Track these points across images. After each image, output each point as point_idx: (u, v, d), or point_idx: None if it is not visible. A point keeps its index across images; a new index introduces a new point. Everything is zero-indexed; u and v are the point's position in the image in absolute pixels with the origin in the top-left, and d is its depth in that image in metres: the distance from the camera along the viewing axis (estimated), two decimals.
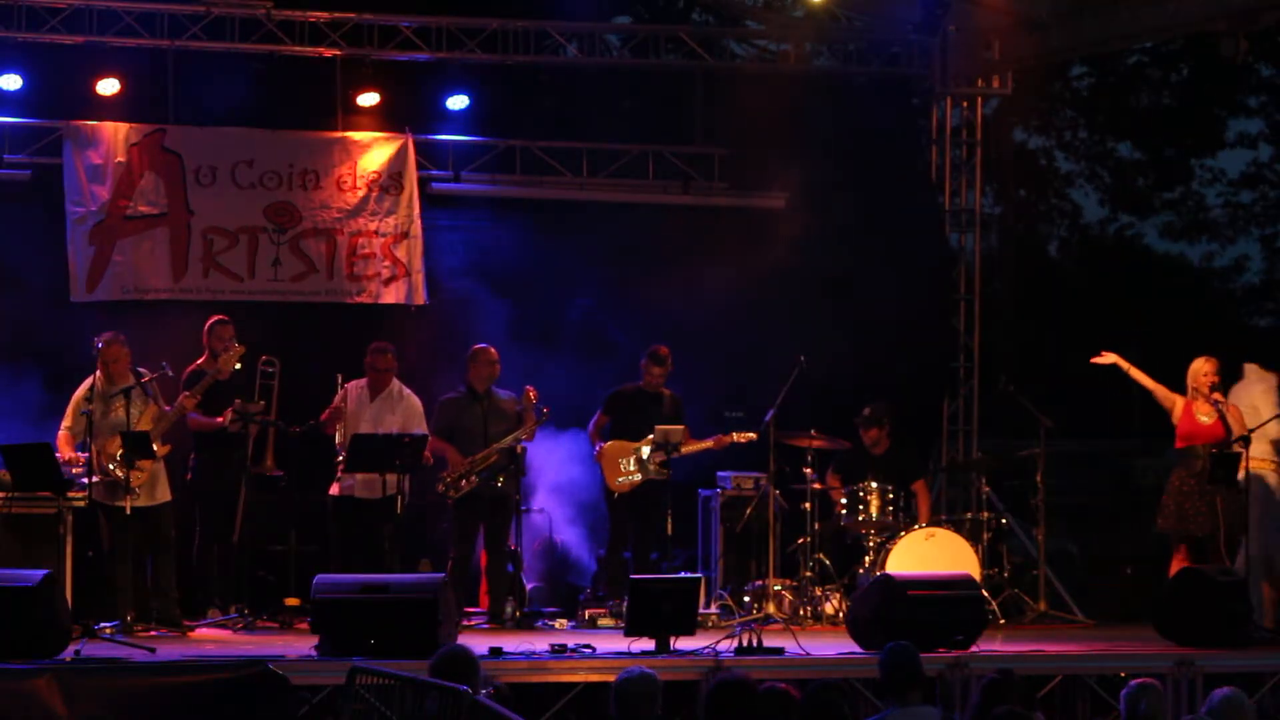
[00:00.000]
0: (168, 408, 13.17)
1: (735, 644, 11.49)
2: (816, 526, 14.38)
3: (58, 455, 12.84)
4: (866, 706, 10.79)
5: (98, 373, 13.07)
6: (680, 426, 14.25)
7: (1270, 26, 15.15)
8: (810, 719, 8.12)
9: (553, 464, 15.18)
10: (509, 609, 13.72)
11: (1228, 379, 13.96)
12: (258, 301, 15.39)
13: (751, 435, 14.42)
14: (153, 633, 12.61)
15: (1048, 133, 29.08)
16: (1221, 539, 13.61)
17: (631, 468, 14.26)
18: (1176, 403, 13.74)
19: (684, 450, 14.25)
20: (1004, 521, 15.09)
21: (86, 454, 12.79)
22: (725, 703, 7.94)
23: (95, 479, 12.78)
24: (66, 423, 13.12)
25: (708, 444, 14.43)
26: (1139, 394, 13.98)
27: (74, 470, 13.00)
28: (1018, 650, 12.14)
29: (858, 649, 11.76)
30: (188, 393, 13.24)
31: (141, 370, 13.13)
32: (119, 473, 12.77)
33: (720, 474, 15.00)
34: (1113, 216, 29.82)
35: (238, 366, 13.49)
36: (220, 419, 13.51)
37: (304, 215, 15.59)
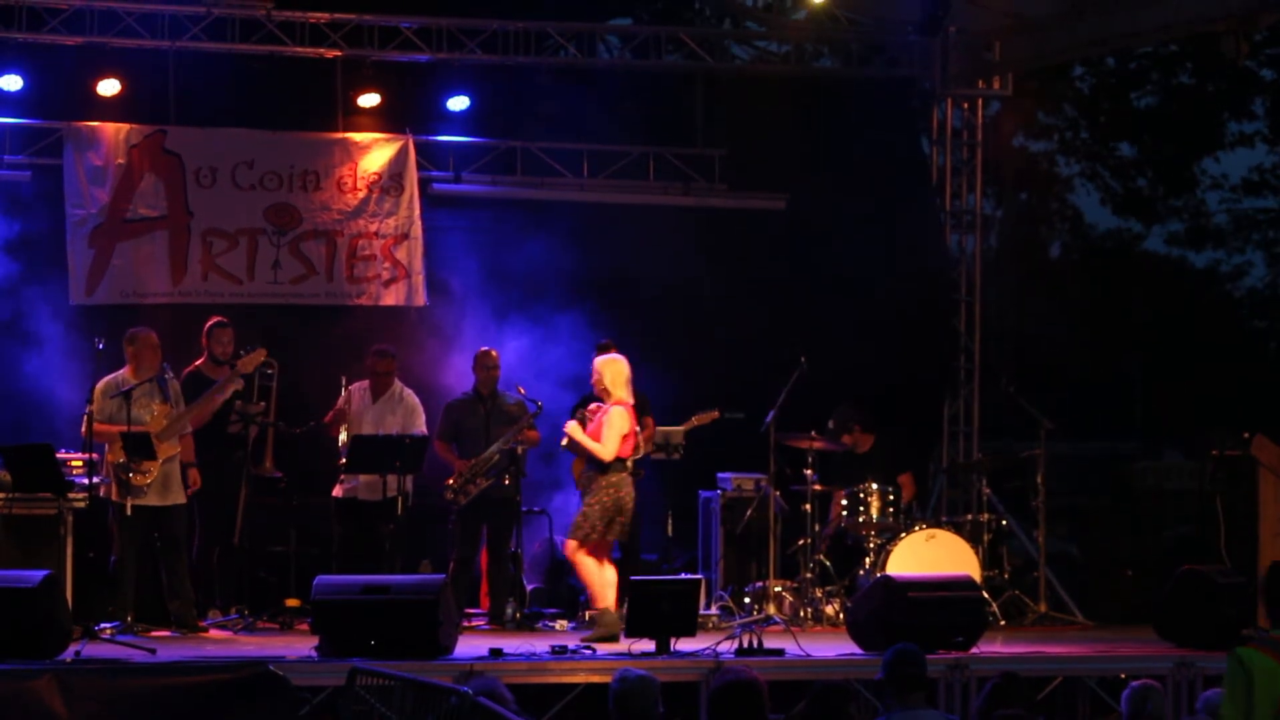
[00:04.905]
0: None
1: (736, 645, 11.50)
2: (816, 528, 14.38)
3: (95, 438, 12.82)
4: (867, 708, 10.78)
5: (127, 367, 13.09)
6: (680, 428, 14.28)
7: (1271, 27, 15.09)
8: None
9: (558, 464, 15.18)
10: (510, 610, 13.72)
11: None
12: (257, 304, 15.38)
13: (713, 414, 14.40)
14: (168, 633, 12.67)
15: (1049, 135, 29.01)
16: (1221, 539, 13.62)
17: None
18: None
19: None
20: (1004, 523, 15.08)
21: (92, 454, 12.80)
22: (728, 702, 7.93)
23: (96, 478, 12.78)
24: (94, 408, 12.91)
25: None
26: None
27: (72, 468, 13.02)
28: (1018, 652, 12.15)
29: (858, 650, 11.76)
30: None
31: (166, 367, 13.15)
32: (123, 473, 12.77)
33: (721, 475, 14.99)
34: (1113, 217, 29.80)
35: (271, 372, 13.52)
36: (218, 397, 13.46)
37: (304, 217, 15.55)
